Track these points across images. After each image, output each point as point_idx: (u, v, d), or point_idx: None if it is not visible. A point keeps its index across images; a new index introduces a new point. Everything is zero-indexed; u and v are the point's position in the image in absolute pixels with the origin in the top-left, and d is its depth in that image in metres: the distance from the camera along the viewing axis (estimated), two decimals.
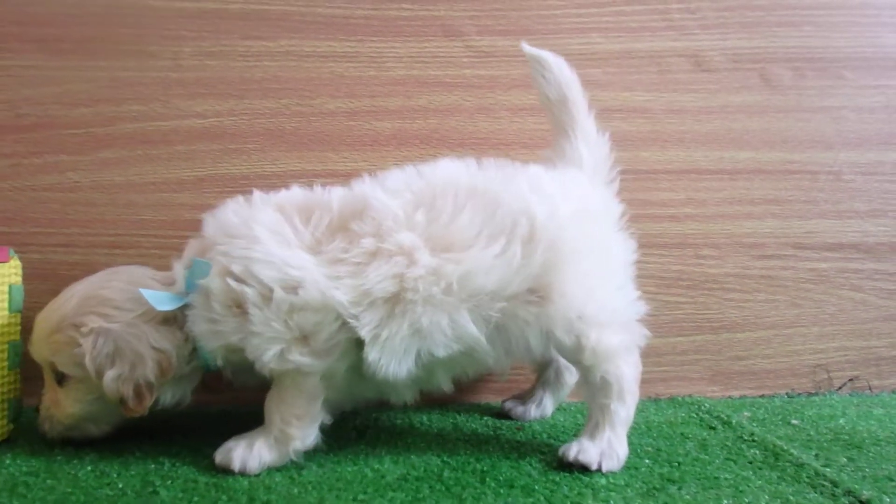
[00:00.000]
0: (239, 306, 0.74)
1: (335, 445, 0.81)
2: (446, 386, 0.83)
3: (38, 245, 1.03)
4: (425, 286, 0.73)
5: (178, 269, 0.81)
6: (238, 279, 0.73)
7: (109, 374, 0.75)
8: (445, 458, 0.81)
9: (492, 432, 0.91)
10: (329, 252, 0.74)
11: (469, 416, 0.99)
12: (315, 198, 0.80)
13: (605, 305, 0.78)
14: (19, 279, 0.86)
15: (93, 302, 0.79)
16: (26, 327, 0.86)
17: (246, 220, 0.77)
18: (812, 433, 0.92)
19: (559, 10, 1.09)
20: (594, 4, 1.09)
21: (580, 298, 0.76)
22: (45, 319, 0.80)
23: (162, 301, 0.77)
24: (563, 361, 0.95)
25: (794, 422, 0.97)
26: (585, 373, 0.80)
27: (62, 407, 0.81)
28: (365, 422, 0.94)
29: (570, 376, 0.97)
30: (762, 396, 1.11)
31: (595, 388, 0.79)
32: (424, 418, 0.97)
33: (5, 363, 0.83)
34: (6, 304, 0.83)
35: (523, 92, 1.08)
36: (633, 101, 1.10)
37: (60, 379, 0.81)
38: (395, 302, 0.73)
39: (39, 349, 0.81)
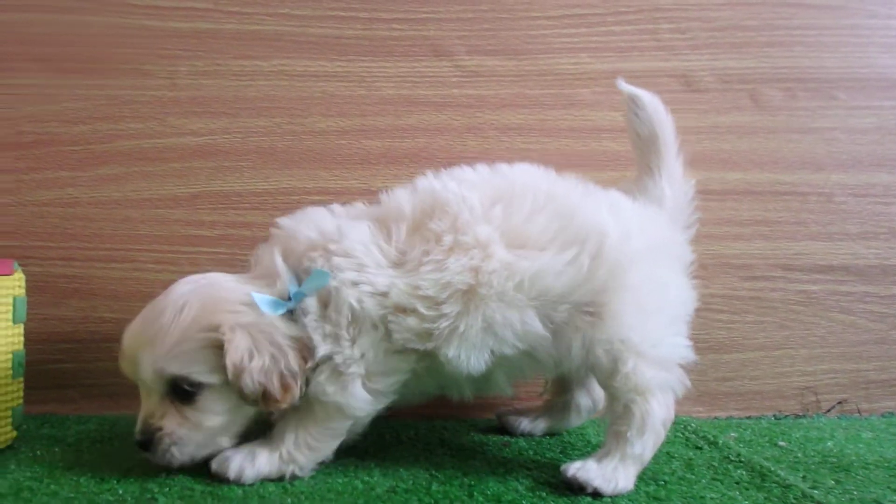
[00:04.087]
0: (355, 323, 0.79)
1: None
2: (507, 388, 0.90)
3: (38, 258, 1.13)
4: (499, 281, 0.78)
5: (281, 270, 0.82)
6: (360, 304, 0.79)
7: (254, 368, 0.76)
8: (433, 472, 0.86)
9: (478, 448, 0.97)
10: (412, 260, 0.80)
11: (456, 432, 1.05)
12: (385, 209, 0.85)
13: (650, 338, 0.81)
14: (23, 291, 0.94)
15: (214, 303, 0.79)
16: (28, 338, 0.95)
17: (345, 235, 0.81)
18: (799, 455, 0.96)
19: (549, 29, 1.15)
20: (584, 24, 1.15)
21: (627, 325, 0.81)
22: (157, 335, 0.78)
23: (272, 306, 0.80)
24: (576, 401, 1.02)
25: (781, 443, 1.01)
26: (612, 399, 0.83)
27: (198, 424, 0.80)
28: (354, 435, 1.01)
29: (577, 418, 1.03)
30: (749, 418, 1.16)
31: (616, 416, 0.82)
32: (412, 432, 1.04)
33: (9, 372, 0.91)
34: (10, 316, 0.91)
35: (512, 111, 1.15)
36: (622, 121, 1.14)
37: (187, 396, 0.79)
38: (470, 296, 0.78)
39: (159, 366, 0.78)
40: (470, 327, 0.79)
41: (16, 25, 1.13)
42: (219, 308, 0.78)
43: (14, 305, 0.92)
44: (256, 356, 0.76)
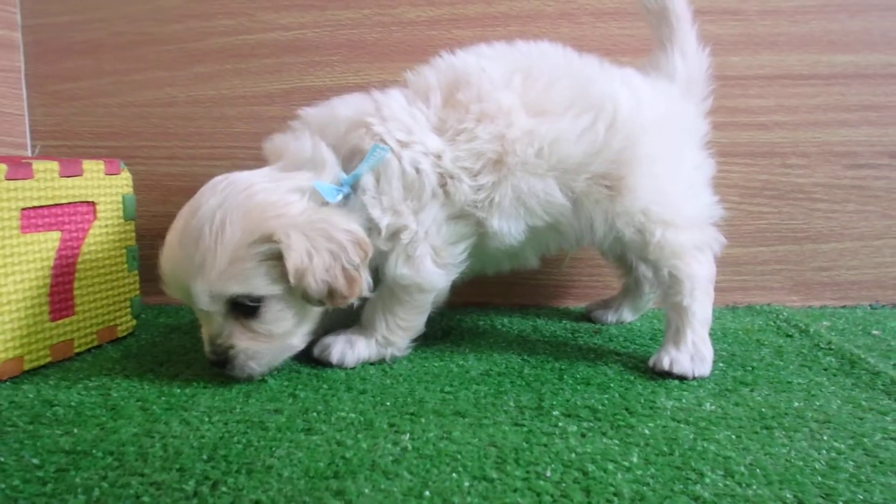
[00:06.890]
0: (412, 194, 0.83)
1: (422, 343, 0.93)
2: (535, 261, 0.96)
3: (142, 157, 1.19)
4: (521, 148, 0.83)
5: (327, 156, 0.82)
6: (415, 168, 0.82)
7: (316, 268, 0.75)
8: (525, 357, 0.91)
9: (570, 335, 1.02)
10: (450, 129, 0.84)
11: (548, 320, 1.10)
12: (414, 86, 0.89)
13: (672, 206, 0.85)
14: (130, 189, 1.00)
15: (258, 210, 0.76)
16: (140, 234, 1.02)
17: (384, 105, 0.85)
18: (893, 344, 0.97)
19: None
20: None
21: (645, 197, 0.84)
22: (206, 260, 0.75)
23: (332, 193, 0.80)
24: (643, 272, 1.04)
25: (874, 332, 1.02)
26: (654, 270, 0.88)
27: (269, 335, 0.79)
28: (449, 322, 1.07)
29: (651, 288, 1.06)
30: (844, 307, 1.17)
31: (665, 286, 0.87)
32: (506, 320, 1.09)
33: (125, 266, 0.99)
34: (121, 213, 0.98)
35: None
36: (724, 2, 1.12)
37: (251, 310, 0.78)
38: (499, 166, 0.83)
39: (216, 291, 0.76)
40: (504, 197, 0.84)
41: None
42: (265, 215, 0.75)
43: (123, 203, 0.99)
44: (316, 255, 0.75)
